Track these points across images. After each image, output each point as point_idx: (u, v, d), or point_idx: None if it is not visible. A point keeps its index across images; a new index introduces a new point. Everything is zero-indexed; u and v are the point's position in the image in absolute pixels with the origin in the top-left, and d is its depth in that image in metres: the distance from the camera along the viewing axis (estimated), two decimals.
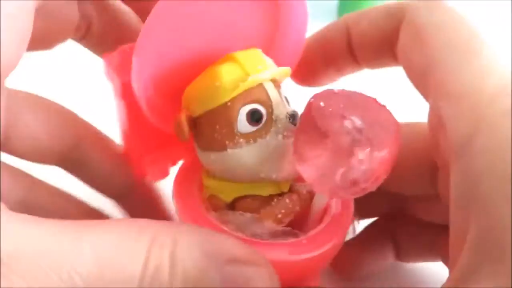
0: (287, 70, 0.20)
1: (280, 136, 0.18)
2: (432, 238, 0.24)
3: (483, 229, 0.15)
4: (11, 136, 0.21)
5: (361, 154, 0.16)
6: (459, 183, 0.16)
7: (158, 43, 0.18)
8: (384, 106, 0.17)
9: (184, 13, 0.18)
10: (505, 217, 0.14)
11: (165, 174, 0.23)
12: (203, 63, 0.19)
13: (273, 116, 0.18)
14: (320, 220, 0.20)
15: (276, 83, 0.19)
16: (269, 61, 0.20)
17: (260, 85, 0.19)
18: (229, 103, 0.18)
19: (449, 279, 0.16)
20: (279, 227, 0.19)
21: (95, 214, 0.25)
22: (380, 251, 0.25)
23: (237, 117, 0.18)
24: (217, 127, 0.18)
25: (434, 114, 0.18)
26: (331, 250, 0.19)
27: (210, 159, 0.19)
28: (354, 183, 0.16)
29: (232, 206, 0.20)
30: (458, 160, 0.16)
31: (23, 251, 0.15)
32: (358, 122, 0.16)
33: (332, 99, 0.17)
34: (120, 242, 0.15)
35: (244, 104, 0.18)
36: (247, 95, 0.18)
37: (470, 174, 0.15)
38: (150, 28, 0.17)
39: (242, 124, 0.18)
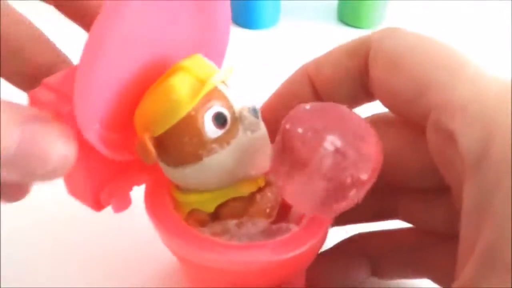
0: (231, 68, 0.19)
1: (248, 133, 0.18)
2: (417, 254, 0.23)
3: (490, 242, 0.15)
4: None
5: (346, 177, 0.16)
6: (473, 196, 0.16)
7: (97, 77, 0.16)
8: (358, 116, 0.17)
9: (121, 34, 0.16)
10: None
11: (127, 203, 0.21)
12: (145, 81, 0.18)
13: (236, 115, 0.18)
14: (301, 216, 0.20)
15: (223, 83, 0.19)
16: (212, 64, 0.19)
17: (215, 89, 0.18)
18: (192, 113, 0.18)
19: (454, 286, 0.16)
20: (270, 224, 0.19)
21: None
22: (354, 266, 0.24)
23: (204, 124, 0.18)
24: (186, 139, 0.18)
25: (437, 133, 0.17)
26: (313, 248, 0.19)
27: (184, 173, 0.18)
28: (337, 204, 0.16)
29: (215, 214, 0.20)
30: (473, 173, 0.16)
31: None
32: (337, 142, 0.16)
33: (307, 121, 0.17)
34: None
35: (206, 110, 0.18)
36: (205, 101, 0.18)
37: (484, 187, 0.15)
38: (89, 63, 0.16)
39: (210, 130, 0.18)
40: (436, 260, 0.22)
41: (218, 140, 0.18)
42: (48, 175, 0.16)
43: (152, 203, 0.20)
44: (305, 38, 0.48)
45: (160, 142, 0.18)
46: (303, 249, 0.18)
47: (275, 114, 0.21)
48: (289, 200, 0.17)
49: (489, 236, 0.15)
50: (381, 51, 0.19)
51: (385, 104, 0.20)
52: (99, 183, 0.20)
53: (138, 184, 0.21)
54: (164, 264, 0.27)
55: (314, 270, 0.23)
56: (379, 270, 0.24)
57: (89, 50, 0.15)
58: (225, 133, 0.18)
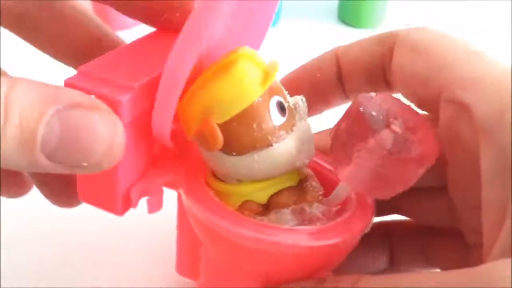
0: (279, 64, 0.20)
1: (303, 121, 0.19)
2: (427, 243, 0.24)
3: None
4: None
5: (409, 154, 0.17)
6: (493, 157, 0.16)
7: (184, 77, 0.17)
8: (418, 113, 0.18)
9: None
10: None
11: (161, 202, 0.21)
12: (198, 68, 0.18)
13: (291, 105, 0.19)
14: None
15: None
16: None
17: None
18: (260, 99, 0.18)
19: (491, 253, 0.16)
20: (330, 208, 0.19)
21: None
22: (374, 255, 0.24)
23: (271, 111, 0.18)
24: (255, 125, 0.18)
25: (449, 107, 0.18)
26: (346, 242, 0.19)
27: (250, 161, 0.18)
28: (396, 181, 0.17)
29: (267, 206, 0.20)
30: (490, 136, 0.16)
31: None
32: (402, 125, 0.17)
33: (377, 106, 0.18)
34: None
35: (270, 98, 0.18)
36: (268, 90, 0.18)
37: (504, 146, 0.16)
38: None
39: (276, 117, 0.18)
40: (443, 251, 0.23)
41: (283, 127, 0.18)
42: (95, 167, 0.15)
43: (194, 192, 0.19)
44: (305, 38, 0.48)
45: (224, 129, 0.18)
46: (339, 239, 0.18)
47: (297, 83, 0.22)
48: (350, 181, 0.18)
49: None
50: (406, 40, 0.20)
51: (402, 87, 0.21)
52: (129, 180, 0.19)
53: (171, 181, 0.20)
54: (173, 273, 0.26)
55: None
56: (396, 259, 0.24)
57: (182, 51, 0.16)
58: (288, 121, 0.19)
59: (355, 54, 0.22)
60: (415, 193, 0.23)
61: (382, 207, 0.24)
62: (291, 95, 0.20)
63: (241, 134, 0.18)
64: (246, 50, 0.19)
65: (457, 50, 0.19)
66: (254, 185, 0.19)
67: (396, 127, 0.17)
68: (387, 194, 0.18)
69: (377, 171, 0.17)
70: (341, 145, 0.18)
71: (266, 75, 0.18)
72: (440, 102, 0.19)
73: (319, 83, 0.23)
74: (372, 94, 0.18)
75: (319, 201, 0.20)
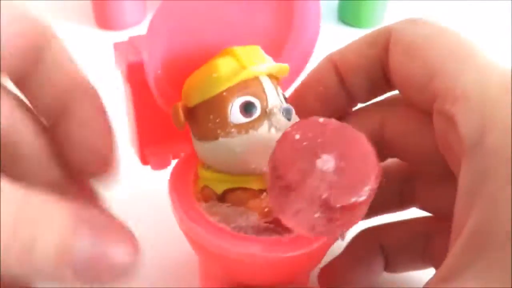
0: (284, 67, 0.20)
1: (273, 129, 0.19)
2: (422, 244, 0.23)
3: (478, 224, 0.15)
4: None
5: (336, 200, 0.16)
6: (467, 181, 0.16)
7: (171, 25, 0.19)
8: (368, 144, 0.17)
9: (198, 4, 0.19)
10: (501, 215, 0.14)
11: (167, 164, 0.23)
12: (209, 56, 0.20)
13: (267, 110, 0.19)
14: None
15: (273, 78, 0.20)
16: (267, 58, 0.20)
17: (256, 79, 0.19)
18: (224, 93, 0.19)
19: (438, 270, 0.16)
20: (262, 222, 0.19)
21: None
22: (370, 263, 0.24)
23: (231, 108, 0.19)
24: (211, 116, 0.19)
25: (441, 118, 0.18)
26: (314, 252, 0.19)
27: (203, 148, 0.19)
28: (329, 226, 0.16)
29: (223, 197, 0.20)
30: (469, 158, 0.16)
31: None
32: (331, 163, 0.16)
33: (299, 143, 0.17)
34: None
35: (238, 96, 0.19)
36: (242, 87, 0.19)
37: (478, 172, 0.16)
38: (164, 9, 0.18)
39: (235, 115, 0.19)
40: (444, 249, 0.23)
41: (238, 127, 0.19)
42: (114, 280, 0.16)
43: (177, 172, 0.21)
44: None
45: (191, 113, 0.19)
46: (300, 251, 0.18)
47: (302, 101, 0.22)
48: (286, 223, 0.17)
49: (477, 220, 0.15)
50: (400, 39, 0.20)
51: (400, 90, 0.21)
52: (147, 140, 0.23)
53: (180, 152, 0.23)
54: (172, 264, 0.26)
55: (329, 272, 0.23)
56: (392, 263, 0.24)
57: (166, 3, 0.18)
58: (248, 123, 0.19)
59: (351, 61, 0.21)
60: (430, 182, 0.23)
61: (400, 201, 0.24)
62: (299, 113, 0.20)
63: (200, 121, 0.19)
64: (240, 48, 0.19)
65: (450, 53, 0.18)
66: (213, 174, 0.20)
67: (325, 163, 0.16)
68: (335, 236, 0.18)
69: (305, 217, 0.16)
70: (280, 188, 0.17)
71: (237, 72, 0.19)
72: (433, 111, 0.18)
73: (325, 97, 0.22)
74: (314, 119, 0.17)
75: (263, 213, 0.19)
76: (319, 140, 0.16)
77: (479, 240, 0.15)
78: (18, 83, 0.20)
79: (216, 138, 0.19)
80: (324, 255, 0.21)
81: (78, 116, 0.19)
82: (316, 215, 0.16)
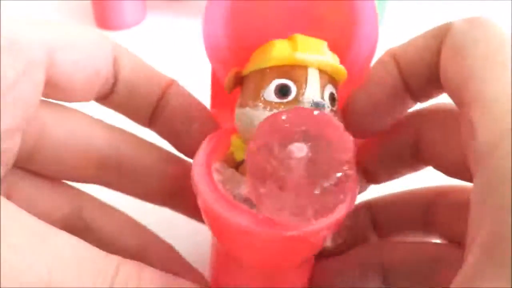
0: (339, 68, 0.20)
1: None
2: (433, 268, 0.23)
3: (490, 234, 0.15)
4: (37, 149, 0.21)
5: (310, 184, 0.16)
6: (480, 188, 0.16)
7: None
8: (338, 127, 0.17)
9: None
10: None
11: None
12: (273, 36, 0.20)
13: (299, 98, 0.19)
14: None
15: (326, 75, 0.20)
16: (328, 54, 0.20)
17: (304, 68, 0.19)
18: (267, 70, 0.19)
19: (454, 281, 0.16)
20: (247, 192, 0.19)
21: (140, 229, 0.25)
22: (365, 275, 0.24)
23: (268, 86, 0.19)
24: (251, 87, 0.20)
25: (464, 124, 0.18)
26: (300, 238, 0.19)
27: (236, 114, 0.20)
28: (308, 214, 0.16)
29: (239, 166, 0.21)
30: (483, 165, 0.16)
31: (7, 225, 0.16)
32: (304, 150, 0.16)
33: (271, 135, 0.17)
34: (93, 253, 0.17)
35: (279, 77, 0.19)
36: (286, 70, 0.19)
37: (491, 180, 0.16)
38: None
39: (269, 93, 0.19)
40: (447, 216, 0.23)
41: (267, 103, 0.19)
42: None
43: (213, 136, 0.21)
44: None
45: (243, 81, 0.21)
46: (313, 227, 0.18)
47: (365, 96, 0.22)
48: (267, 214, 0.17)
49: (489, 229, 0.15)
50: (453, 37, 0.20)
51: (444, 85, 0.20)
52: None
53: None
54: None
55: (324, 273, 0.23)
56: (391, 281, 0.24)
57: None
58: (277, 103, 0.19)
59: (413, 52, 0.21)
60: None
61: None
62: (358, 102, 0.21)
63: (243, 89, 0.20)
64: (305, 36, 0.20)
65: (490, 62, 0.18)
66: (238, 142, 0.21)
67: (298, 150, 0.16)
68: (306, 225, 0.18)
69: (283, 205, 0.17)
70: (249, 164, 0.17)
71: (286, 55, 0.19)
72: (461, 116, 0.18)
73: (387, 90, 0.22)
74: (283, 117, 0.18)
75: None
76: (302, 128, 0.17)
77: (491, 254, 0.15)
78: (104, 102, 0.22)
79: (245, 106, 0.20)
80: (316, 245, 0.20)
81: (173, 104, 0.22)
82: (281, 196, 0.16)
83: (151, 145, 0.24)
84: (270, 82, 0.19)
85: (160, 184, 0.24)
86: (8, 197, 0.20)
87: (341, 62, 0.20)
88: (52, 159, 0.21)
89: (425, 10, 0.54)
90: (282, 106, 0.19)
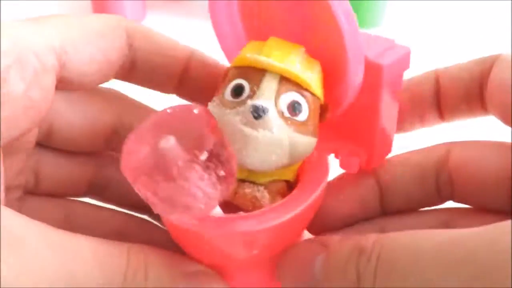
0: (301, 78, 0.19)
1: (237, 118, 0.19)
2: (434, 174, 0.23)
3: None
4: (53, 130, 0.22)
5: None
6: None
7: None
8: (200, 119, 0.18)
9: None
10: None
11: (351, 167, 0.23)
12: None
13: (248, 101, 0.19)
14: None
15: (289, 84, 0.19)
16: (295, 61, 0.19)
17: (261, 72, 0.19)
18: (233, 69, 0.20)
19: None
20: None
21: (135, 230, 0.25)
22: (363, 194, 0.24)
23: (229, 84, 0.19)
24: (220, 83, 0.20)
25: None
26: (305, 212, 0.19)
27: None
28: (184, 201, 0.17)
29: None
30: None
31: (26, 237, 0.16)
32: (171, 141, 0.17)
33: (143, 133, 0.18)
34: (107, 244, 0.18)
35: (239, 77, 0.19)
36: (246, 72, 0.19)
37: None
38: None
39: (228, 91, 0.19)
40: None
41: (222, 100, 0.19)
42: None
43: None
44: None
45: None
46: (289, 215, 0.19)
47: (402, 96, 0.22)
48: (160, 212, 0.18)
49: None
50: (509, 57, 0.21)
51: (497, 105, 0.21)
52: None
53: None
54: None
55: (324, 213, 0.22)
56: (389, 204, 0.23)
57: None
58: (231, 102, 0.19)
59: (454, 72, 0.22)
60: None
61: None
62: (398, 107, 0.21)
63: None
64: (282, 41, 0.20)
65: None
66: None
67: (166, 141, 0.17)
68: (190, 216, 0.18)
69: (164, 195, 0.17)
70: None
71: (251, 56, 0.19)
72: None
73: (417, 99, 0.23)
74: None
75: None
76: (176, 122, 0.18)
77: None
78: (124, 79, 0.23)
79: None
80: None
81: None
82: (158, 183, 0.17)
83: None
84: (232, 80, 0.19)
85: None
86: (37, 171, 0.23)
87: (340, 67, 0.20)
88: (64, 134, 0.22)
89: (425, 10, 0.54)
90: (231, 107, 0.19)
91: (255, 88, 0.19)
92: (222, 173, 0.17)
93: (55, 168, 0.23)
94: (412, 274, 0.15)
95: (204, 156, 0.17)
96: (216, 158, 0.17)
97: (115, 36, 0.21)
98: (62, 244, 0.17)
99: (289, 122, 0.19)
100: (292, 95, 0.19)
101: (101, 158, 0.24)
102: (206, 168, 0.17)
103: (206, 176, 0.17)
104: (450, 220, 0.22)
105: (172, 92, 0.24)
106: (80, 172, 0.24)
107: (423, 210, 0.23)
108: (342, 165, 0.22)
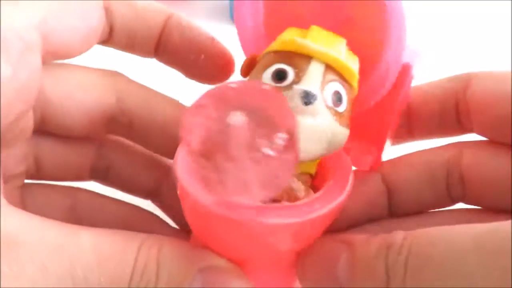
0: (348, 67, 0.19)
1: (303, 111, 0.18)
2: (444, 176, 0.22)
3: None
4: (49, 115, 0.22)
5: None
6: None
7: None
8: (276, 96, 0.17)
9: None
10: None
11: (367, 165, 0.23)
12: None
13: (294, 86, 0.18)
14: None
15: (333, 73, 0.19)
16: (340, 51, 0.19)
17: (308, 58, 0.19)
18: (272, 53, 0.19)
19: None
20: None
21: (143, 221, 0.25)
22: (371, 194, 0.23)
23: (269, 68, 0.19)
24: (257, 67, 0.19)
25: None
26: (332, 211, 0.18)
27: None
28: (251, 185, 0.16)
29: None
30: None
31: (25, 238, 0.16)
32: (242, 118, 0.16)
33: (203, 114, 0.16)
34: (114, 240, 0.17)
35: (280, 62, 0.19)
36: (289, 57, 0.19)
37: None
38: None
39: (267, 75, 0.19)
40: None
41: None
42: None
43: None
44: None
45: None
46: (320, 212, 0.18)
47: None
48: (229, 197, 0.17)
49: None
50: (486, 74, 0.21)
51: (481, 120, 0.21)
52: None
53: None
54: None
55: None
56: (396, 205, 0.23)
57: None
58: (272, 86, 0.19)
59: (426, 89, 0.22)
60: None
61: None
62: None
63: (252, 71, 0.20)
64: (323, 30, 0.19)
65: None
66: None
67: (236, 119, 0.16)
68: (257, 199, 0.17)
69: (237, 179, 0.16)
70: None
71: (293, 41, 0.19)
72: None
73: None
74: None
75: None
76: (245, 98, 0.16)
77: None
78: (105, 44, 0.23)
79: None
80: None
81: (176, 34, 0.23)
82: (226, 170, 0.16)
83: (163, 98, 0.24)
84: (272, 65, 0.19)
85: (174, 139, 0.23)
86: (38, 158, 0.23)
87: (373, 65, 0.20)
88: (60, 121, 0.22)
89: (425, 10, 0.53)
90: (277, 90, 0.18)
91: (300, 74, 0.18)
92: (289, 157, 0.16)
93: (55, 154, 0.23)
94: (450, 267, 0.15)
95: (278, 138, 0.16)
96: (286, 142, 0.16)
97: (93, 1, 0.21)
98: (62, 243, 0.16)
99: (332, 111, 0.18)
100: (336, 85, 0.19)
101: (102, 142, 0.24)
102: (275, 150, 0.16)
103: (275, 159, 0.16)
104: (461, 221, 0.22)
105: (152, 56, 0.23)
106: (81, 156, 0.24)
107: (432, 212, 0.23)
108: (354, 162, 0.21)
